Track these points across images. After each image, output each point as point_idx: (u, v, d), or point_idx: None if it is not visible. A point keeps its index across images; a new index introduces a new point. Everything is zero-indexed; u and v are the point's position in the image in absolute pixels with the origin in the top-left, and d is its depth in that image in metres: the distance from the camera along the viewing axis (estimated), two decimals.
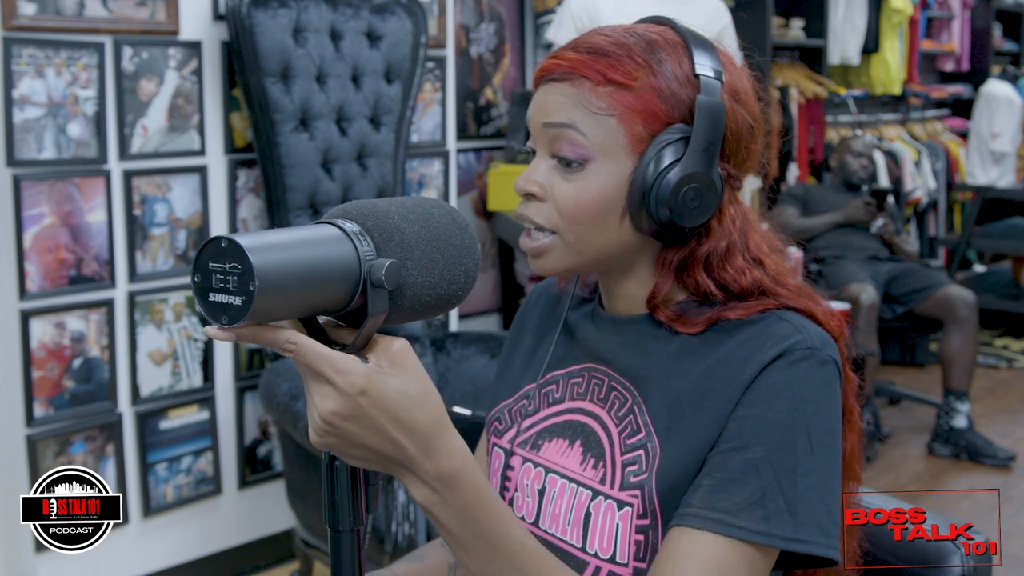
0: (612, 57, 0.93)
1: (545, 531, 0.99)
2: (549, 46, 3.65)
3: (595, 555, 0.94)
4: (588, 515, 0.95)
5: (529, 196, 0.97)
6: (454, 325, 3.37)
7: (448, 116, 3.32)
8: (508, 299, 3.89)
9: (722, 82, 0.93)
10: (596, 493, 0.95)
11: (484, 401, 2.72)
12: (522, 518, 1.02)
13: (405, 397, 0.77)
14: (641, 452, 0.93)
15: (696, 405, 0.92)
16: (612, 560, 0.93)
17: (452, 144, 3.36)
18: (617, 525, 0.93)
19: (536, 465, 1.02)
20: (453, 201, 3.41)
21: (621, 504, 0.93)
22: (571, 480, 0.98)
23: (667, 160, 0.92)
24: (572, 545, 0.96)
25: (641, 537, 0.92)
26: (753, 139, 0.98)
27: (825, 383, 0.91)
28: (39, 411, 2.43)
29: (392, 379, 0.76)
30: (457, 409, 2.42)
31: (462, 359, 2.86)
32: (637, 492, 0.92)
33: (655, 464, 0.92)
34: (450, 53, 3.30)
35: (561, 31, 3.24)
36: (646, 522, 0.92)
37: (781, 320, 0.93)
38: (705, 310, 0.96)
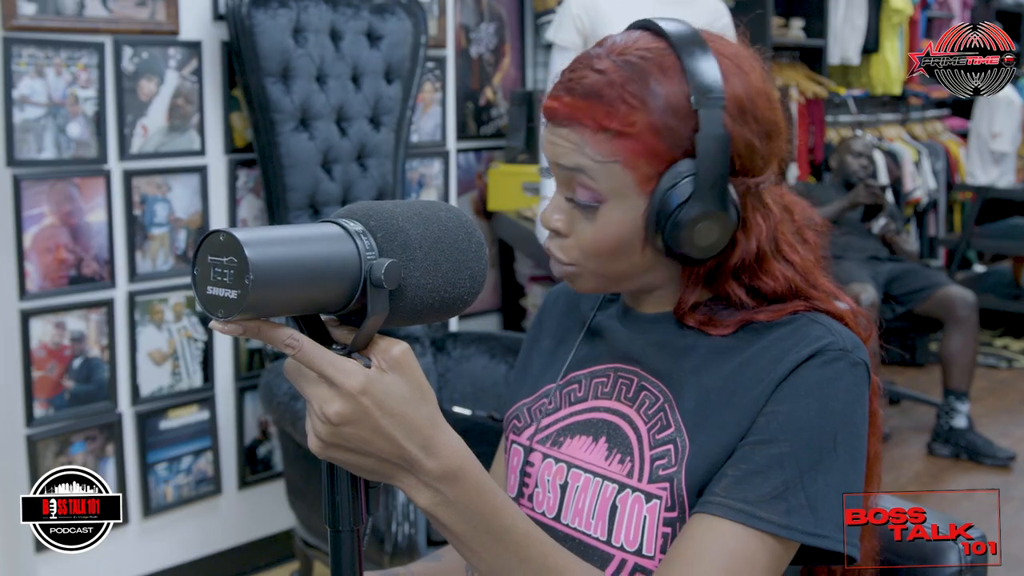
0: (606, 102, 0.91)
1: (567, 525, 0.99)
2: (549, 46, 3.65)
3: (621, 548, 0.95)
4: (614, 508, 0.96)
5: (554, 231, 0.98)
6: (454, 325, 3.37)
7: (448, 116, 3.32)
8: (508, 299, 3.89)
9: (723, 104, 0.91)
10: (623, 486, 0.96)
11: (484, 401, 2.73)
12: (543, 514, 1.02)
13: (403, 395, 0.77)
14: (670, 447, 0.94)
15: (726, 400, 0.93)
16: (639, 553, 0.94)
17: (452, 144, 3.36)
18: (645, 518, 0.93)
19: (558, 461, 1.02)
20: (453, 201, 3.40)
21: (649, 496, 0.94)
22: (596, 475, 0.98)
23: (675, 202, 0.91)
24: (597, 539, 0.96)
25: (669, 530, 0.92)
26: (771, 140, 0.96)
27: (855, 384, 0.92)
28: (39, 411, 2.43)
29: (390, 377, 0.77)
30: (457, 409, 2.42)
31: (462, 359, 2.86)
32: (666, 485, 0.93)
33: (684, 458, 0.93)
34: (450, 53, 3.30)
35: (561, 31, 3.23)
36: (674, 515, 0.92)
37: (813, 322, 0.95)
38: (734, 312, 0.97)
